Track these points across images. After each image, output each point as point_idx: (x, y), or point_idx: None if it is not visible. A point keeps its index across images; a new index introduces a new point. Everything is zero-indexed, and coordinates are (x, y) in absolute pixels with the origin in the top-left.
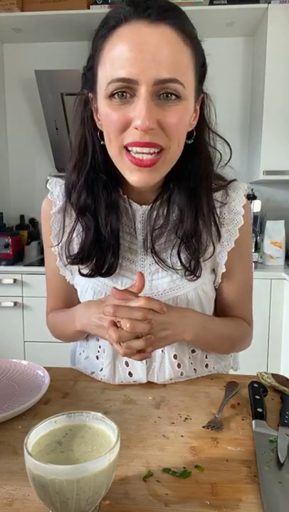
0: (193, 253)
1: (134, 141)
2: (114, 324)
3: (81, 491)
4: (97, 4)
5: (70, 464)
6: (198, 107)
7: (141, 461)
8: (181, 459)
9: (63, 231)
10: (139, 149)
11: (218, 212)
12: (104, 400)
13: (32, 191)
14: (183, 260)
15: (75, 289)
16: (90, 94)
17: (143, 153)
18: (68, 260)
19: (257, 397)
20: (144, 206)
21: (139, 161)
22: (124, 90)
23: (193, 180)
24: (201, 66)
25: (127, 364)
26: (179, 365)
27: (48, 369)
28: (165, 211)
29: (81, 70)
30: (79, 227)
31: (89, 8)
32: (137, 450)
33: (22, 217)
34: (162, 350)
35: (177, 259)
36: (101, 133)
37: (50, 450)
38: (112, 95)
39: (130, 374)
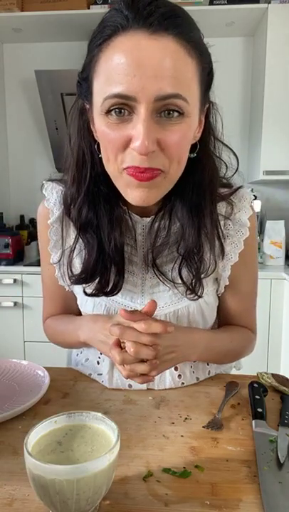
0: (196, 272)
1: (133, 165)
2: (119, 345)
3: (81, 491)
4: (97, 4)
5: (70, 464)
6: (203, 118)
7: (141, 461)
8: (181, 459)
9: (62, 242)
10: (138, 174)
11: (222, 225)
12: (104, 399)
13: (32, 191)
14: (184, 278)
15: (74, 295)
16: (86, 104)
17: (142, 173)
18: (72, 280)
19: (257, 397)
20: (144, 218)
21: (138, 176)
22: (122, 107)
23: (196, 194)
24: (208, 74)
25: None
26: (179, 376)
27: (48, 369)
28: (167, 224)
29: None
30: (80, 245)
31: (89, 8)
32: (137, 450)
33: (22, 217)
34: None
35: (177, 275)
36: (99, 144)
37: (50, 450)
38: (108, 111)
39: (130, 386)
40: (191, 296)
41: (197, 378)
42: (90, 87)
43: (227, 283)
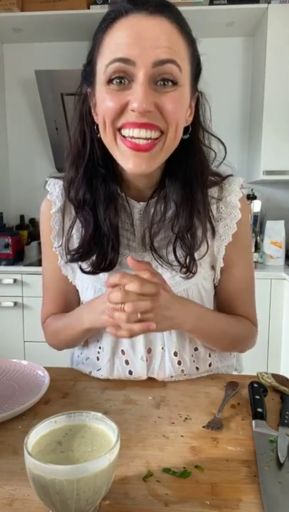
0: (189, 248)
1: (130, 121)
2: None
3: (81, 491)
4: (97, 4)
5: (70, 464)
6: (193, 104)
7: (141, 461)
8: (181, 459)
9: (63, 230)
10: (136, 132)
11: (215, 208)
12: (104, 399)
13: (32, 191)
14: (178, 256)
15: (75, 291)
16: (88, 90)
17: (140, 138)
18: (68, 257)
19: (257, 397)
20: (141, 203)
21: (135, 146)
22: (123, 76)
23: (189, 176)
24: (197, 65)
25: (126, 362)
26: (179, 363)
27: (48, 369)
28: (162, 207)
29: (81, 70)
30: (78, 224)
31: (89, 8)
32: (137, 450)
33: (22, 217)
34: (162, 347)
35: (173, 257)
36: (98, 126)
37: (50, 450)
38: (110, 81)
39: (130, 372)
40: (186, 274)
41: (197, 368)
42: (93, 69)
43: (222, 265)
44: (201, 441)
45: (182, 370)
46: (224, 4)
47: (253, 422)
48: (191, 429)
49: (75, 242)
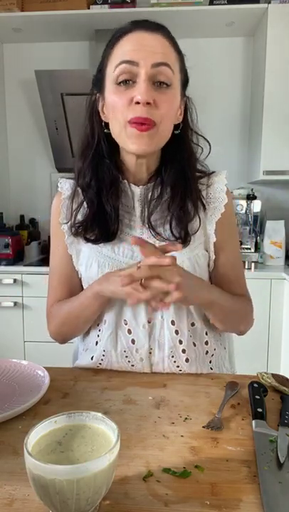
0: (182, 223)
1: (136, 116)
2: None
3: (81, 491)
4: (97, 4)
5: (70, 464)
6: (182, 106)
7: (141, 461)
8: (181, 459)
9: (71, 212)
10: (140, 120)
11: (205, 194)
12: (104, 399)
13: (32, 191)
14: (174, 231)
15: (78, 280)
16: (97, 95)
17: (142, 123)
18: (73, 229)
19: (257, 397)
20: (141, 186)
21: (138, 126)
22: (128, 77)
23: (181, 164)
24: (185, 75)
25: (129, 332)
26: (177, 332)
27: (48, 369)
28: (159, 190)
29: (81, 70)
30: (84, 207)
31: (89, 8)
32: (137, 450)
33: (22, 217)
34: (162, 317)
35: (170, 232)
36: (106, 124)
37: (50, 450)
38: (118, 82)
39: (133, 341)
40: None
41: (194, 344)
42: (103, 76)
43: (214, 239)
44: (201, 441)
45: (180, 341)
46: (224, 4)
47: (253, 422)
48: (191, 429)
49: (80, 218)
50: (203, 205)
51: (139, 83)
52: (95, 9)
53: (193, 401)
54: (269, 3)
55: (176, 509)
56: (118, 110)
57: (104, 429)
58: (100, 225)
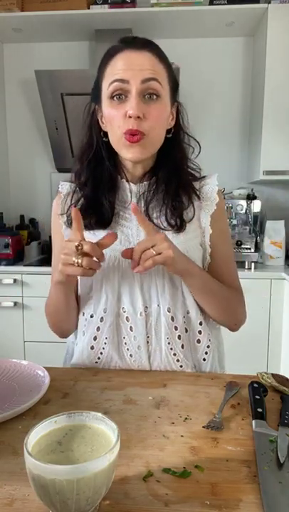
0: (177, 210)
1: (128, 128)
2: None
3: (81, 491)
4: (97, 4)
5: (70, 464)
6: (174, 111)
7: (141, 461)
8: (181, 459)
9: (70, 205)
10: (130, 137)
11: (197, 193)
12: (104, 399)
13: (32, 191)
14: (170, 220)
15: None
16: (96, 106)
17: (133, 135)
18: (69, 218)
19: (257, 397)
20: (137, 184)
21: (130, 138)
22: (121, 93)
23: (174, 162)
24: (173, 83)
25: (127, 319)
26: (172, 319)
27: (48, 369)
28: (154, 185)
29: (81, 70)
30: (82, 200)
31: (89, 8)
32: (137, 450)
33: (22, 217)
34: (158, 305)
35: (167, 224)
36: (104, 133)
37: (50, 450)
38: (112, 97)
39: (131, 328)
40: (177, 232)
41: (186, 330)
42: (99, 90)
43: (210, 231)
44: (201, 441)
45: (176, 327)
46: (224, 4)
47: (253, 422)
48: (191, 429)
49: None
50: (197, 196)
51: (130, 99)
52: (95, 9)
53: (193, 401)
54: (269, 3)
55: (176, 509)
56: (115, 123)
57: (104, 429)
58: (95, 212)
